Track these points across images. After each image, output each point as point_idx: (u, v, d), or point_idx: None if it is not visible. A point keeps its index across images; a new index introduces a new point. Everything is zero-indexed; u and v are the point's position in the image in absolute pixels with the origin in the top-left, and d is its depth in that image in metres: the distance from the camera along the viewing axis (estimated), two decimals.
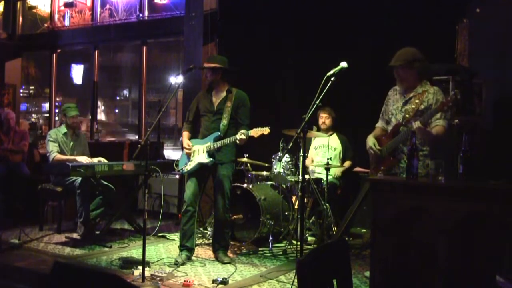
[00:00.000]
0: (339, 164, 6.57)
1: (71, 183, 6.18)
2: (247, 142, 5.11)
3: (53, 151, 6.35)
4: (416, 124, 4.12)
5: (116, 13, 10.65)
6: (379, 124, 4.80)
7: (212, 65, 5.32)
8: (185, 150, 5.40)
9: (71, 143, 6.54)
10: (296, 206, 6.17)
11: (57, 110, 12.14)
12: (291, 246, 5.81)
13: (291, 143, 4.56)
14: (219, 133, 5.25)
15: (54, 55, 11.59)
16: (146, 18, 10.20)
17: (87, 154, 6.63)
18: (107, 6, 10.82)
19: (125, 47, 13.42)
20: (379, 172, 4.56)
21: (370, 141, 4.63)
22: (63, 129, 6.55)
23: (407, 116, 4.39)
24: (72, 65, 13.17)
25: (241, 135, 5.03)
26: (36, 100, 15.98)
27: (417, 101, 4.39)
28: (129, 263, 5.02)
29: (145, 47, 10.27)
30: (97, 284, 2.15)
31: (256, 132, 5.00)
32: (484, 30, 6.01)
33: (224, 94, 5.38)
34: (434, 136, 4.26)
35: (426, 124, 4.20)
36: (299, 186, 4.56)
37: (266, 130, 5.00)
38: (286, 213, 6.08)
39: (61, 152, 6.40)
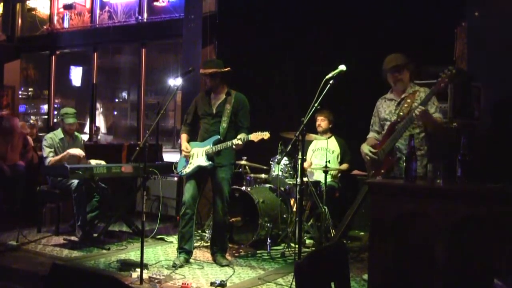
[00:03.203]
0: (336, 167, 6.56)
1: (68, 186, 6.17)
2: (246, 145, 5.09)
3: (48, 156, 6.34)
4: (420, 109, 4.14)
5: (115, 15, 10.66)
6: (371, 135, 4.82)
7: (210, 70, 5.28)
8: (183, 153, 5.40)
9: (67, 147, 6.51)
10: (294, 209, 6.17)
11: (55, 112, 12.15)
12: (289, 249, 5.80)
13: (290, 146, 4.56)
14: (219, 137, 5.24)
15: (53, 57, 11.61)
16: (145, 20, 10.22)
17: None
18: (106, 8, 10.84)
19: (124, 49, 13.45)
20: (380, 176, 4.55)
21: (365, 148, 4.64)
22: (60, 134, 6.52)
23: (401, 114, 4.45)
24: (71, 67, 13.18)
25: (237, 140, 5.01)
26: (35, 101, 15.99)
27: (408, 100, 4.48)
28: (127, 265, 5.01)
29: (144, 49, 10.30)
30: (95, 286, 2.15)
31: (256, 136, 4.98)
32: (483, 33, 6.02)
33: (223, 96, 5.37)
34: (434, 121, 4.33)
35: (425, 106, 4.24)
36: (298, 188, 4.56)
37: (266, 135, 4.98)
38: (284, 216, 6.08)
39: (56, 156, 6.39)
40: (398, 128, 4.40)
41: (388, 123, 4.58)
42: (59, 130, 6.59)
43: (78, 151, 6.30)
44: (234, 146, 5.05)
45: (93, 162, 6.40)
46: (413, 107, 4.37)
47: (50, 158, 6.32)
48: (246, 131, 5.17)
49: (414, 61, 4.56)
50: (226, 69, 5.33)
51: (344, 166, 6.61)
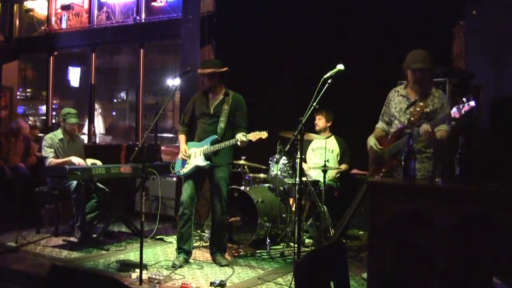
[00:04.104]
0: (336, 166, 6.56)
1: (67, 187, 6.16)
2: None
3: (49, 156, 6.34)
4: (425, 128, 4.10)
5: (113, 15, 10.66)
6: (379, 125, 4.77)
7: (208, 70, 5.27)
8: (181, 155, 5.38)
9: (67, 149, 6.51)
10: (293, 209, 6.17)
11: (54, 113, 12.13)
12: (289, 249, 5.80)
13: (289, 145, 4.55)
14: (216, 136, 5.23)
15: (51, 57, 11.60)
16: (143, 20, 10.21)
17: (82, 157, 6.57)
18: (104, 8, 10.83)
19: (122, 49, 13.41)
20: (380, 174, 4.54)
21: (371, 141, 4.60)
22: (60, 134, 6.51)
23: (412, 118, 4.37)
24: (69, 68, 13.16)
25: (243, 137, 5.00)
26: (33, 102, 15.94)
27: (421, 103, 4.38)
28: (127, 266, 5.01)
29: (142, 50, 10.29)
30: (95, 287, 2.15)
31: (254, 136, 4.99)
32: (481, 32, 6.02)
33: (221, 96, 5.36)
34: (438, 140, 4.26)
35: (433, 129, 4.18)
36: (297, 188, 4.55)
37: (264, 135, 4.99)
38: (284, 216, 6.08)
39: (56, 157, 6.39)
40: (405, 136, 4.32)
41: (396, 121, 4.54)
42: (59, 130, 6.58)
43: (79, 160, 6.28)
44: (239, 143, 5.03)
45: (89, 161, 6.39)
46: (424, 112, 4.33)
47: (51, 158, 6.32)
48: (245, 131, 5.17)
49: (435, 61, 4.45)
50: (224, 69, 5.32)
51: (344, 166, 6.61)
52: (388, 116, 4.67)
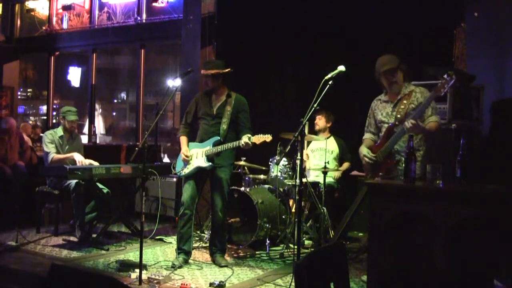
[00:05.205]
0: (336, 167, 6.55)
1: (67, 186, 6.16)
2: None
3: (51, 151, 6.34)
4: (409, 123, 4.13)
5: (114, 16, 10.66)
6: (367, 136, 4.81)
7: (212, 71, 5.26)
8: (183, 157, 5.37)
9: (67, 146, 6.53)
10: (293, 210, 6.16)
11: (54, 113, 12.14)
12: (288, 250, 5.80)
13: (289, 147, 4.55)
14: (219, 138, 5.22)
15: (52, 57, 11.60)
16: (144, 21, 10.21)
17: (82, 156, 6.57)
18: (105, 9, 10.84)
19: (123, 50, 13.43)
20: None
21: (364, 150, 4.64)
22: (60, 131, 6.53)
23: (398, 116, 4.44)
24: (70, 68, 13.17)
25: (247, 139, 4.99)
26: (34, 102, 15.97)
27: (405, 101, 4.46)
28: (126, 266, 5.01)
29: (143, 50, 10.29)
30: (94, 286, 2.15)
31: (258, 139, 4.97)
32: (482, 34, 6.02)
33: (224, 98, 5.35)
34: (428, 131, 4.32)
35: (419, 117, 4.22)
36: (296, 189, 4.55)
37: (268, 138, 4.96)
38: (283, 217, 6.07)
39: (57, 153, 6.39)
40: (395, 134, 4.39)
41: (385, 125, 4.57)
42: (59, 128, 6.60)
43: (81, 158, 6.28)
44: (244, 143, 5.00)
45: (86, 161, 6.39)
46: (409, 109, 4.38)
47: (53, 154, 6.32)
48: (249, 131, 5.16)
49: (406, 61, 4.56)
50: (227, 70, 5.32)
51: (346, 165, 6.61)
52: (375, 126, 4.74)
